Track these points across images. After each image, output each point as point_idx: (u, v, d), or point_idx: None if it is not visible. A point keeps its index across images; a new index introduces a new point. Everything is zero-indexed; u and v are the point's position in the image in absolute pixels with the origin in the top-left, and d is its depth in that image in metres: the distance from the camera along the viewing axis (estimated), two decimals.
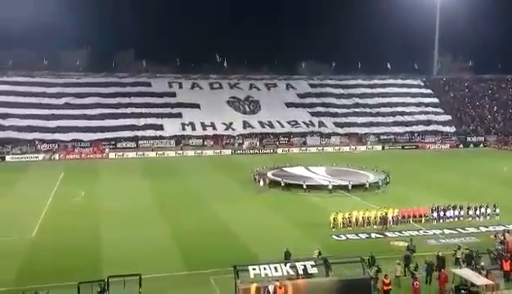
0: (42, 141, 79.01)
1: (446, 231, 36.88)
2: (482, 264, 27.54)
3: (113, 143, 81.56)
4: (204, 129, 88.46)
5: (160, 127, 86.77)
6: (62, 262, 30.43)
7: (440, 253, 28.98)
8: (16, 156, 74.91)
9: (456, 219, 39.45)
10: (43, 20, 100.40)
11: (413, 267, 27.65)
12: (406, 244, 31.88)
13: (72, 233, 36.32)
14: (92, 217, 40.63)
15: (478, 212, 40.07)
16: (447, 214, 39.42)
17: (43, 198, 47.14)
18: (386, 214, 38.07)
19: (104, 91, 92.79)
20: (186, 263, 30.31)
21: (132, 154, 78.65)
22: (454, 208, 39.81)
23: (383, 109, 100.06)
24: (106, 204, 45.26)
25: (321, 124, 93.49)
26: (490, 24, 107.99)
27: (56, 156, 76.06)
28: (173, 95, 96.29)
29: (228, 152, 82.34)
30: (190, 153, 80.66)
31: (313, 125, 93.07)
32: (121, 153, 78.57)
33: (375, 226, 37.54)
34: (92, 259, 30.82)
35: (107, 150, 79.13)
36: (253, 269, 25.30)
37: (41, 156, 75.65)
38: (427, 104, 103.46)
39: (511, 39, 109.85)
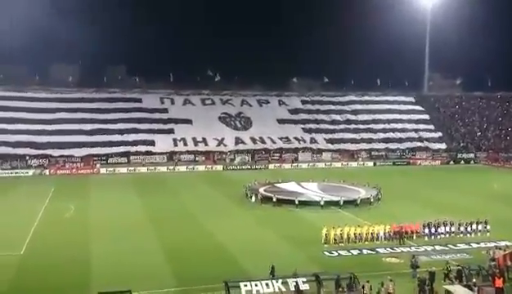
0: (33, 156, 78.56)
1: (438, 247, 36.84)
2: (474, 280, 27.53)
3: (104, 158, 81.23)
4: (196, 145, 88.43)
5: (152, 143, 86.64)
6: (52, 279, 30.04)
7: (433, 268, 28.98)
8: (6, 171, 74.34)
9: (448, 235, 39.47)
10: (35, 35, 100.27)
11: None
12: (410, 261, 31.32)
13: (62, 249, 35.90)
14: (82, 233, 40.25)
15: (469, 229, 40.12)
16: (439, 230, 39.45)
17: (33, 213, 46.66)
18: (401, 228, 38.13)
19: (95, 107, 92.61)
20: (176, 279, 30.02)
21: (123, 170, 78.31)
22: (445, 224, 39.87)
23: (374, 126, 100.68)
24: (97, 220, 44.90)
25: (313, 140, 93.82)
26: (480, 42, 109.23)
27: (47, 171, 75.60)
28: (165, 110, 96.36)
29: (220, 167, 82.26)
30: (182, 168, 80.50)
31: (305, 141, 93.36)
32: (112, 169, 78.23)
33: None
34: (82, 275, 30.46)
35: (98, 166, 78.78)
36: (245, 286, 25.21)
37: (31, 171, 75.14)
38: (418, 121, 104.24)
39: (501, 57, 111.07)
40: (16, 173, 74.01)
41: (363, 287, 26.33)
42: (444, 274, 29.11)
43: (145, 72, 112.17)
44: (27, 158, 78.15)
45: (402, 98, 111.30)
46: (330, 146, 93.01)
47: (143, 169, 79.19)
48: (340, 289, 26.61)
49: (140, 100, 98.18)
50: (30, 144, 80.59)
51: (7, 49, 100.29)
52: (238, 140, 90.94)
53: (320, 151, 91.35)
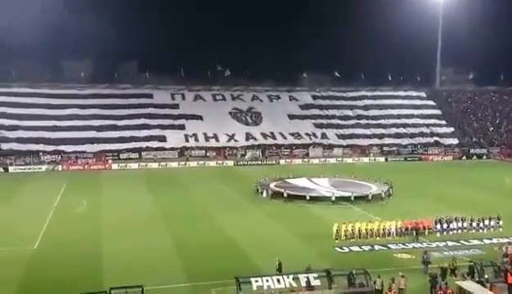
0: (46, 152, 79.16)
1: (450, 243, 36.67)
2: (486, 276, 27.36)
3: (116, 154, 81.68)
4: (207, 140, 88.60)
5: (163, 139, 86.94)
6: (64, 274, 30.33)
7: (445, 264, 28.85)
8: (20, 167, 75.11)
9: (460, 231, 39.25)
10: (47, 32, 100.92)
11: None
12: (422, 257, 31.22)
13: (74, 244, 36.22)
14: (95, 228, 40.56)
15: (481, 224, 39.87)
16: (451, 226, 39.22)
17: (46, 208, 47.11)
18: (417, 224, 38.09)
19: (107, 103, 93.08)
20: (187, 274, 30.18)
21: (134, 165, 78.69)
22: (457, 220, 39.62)
23: (385, 121, 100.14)
24: (109, 215, 45.23)
25: (324, 136, 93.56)
26: (492, 36, 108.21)
27: (59, 167, 76.20)
28: (176, 106, 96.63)
29: (231, 163, 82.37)
30: (193, 164, 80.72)
31: (316, 136, 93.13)
32: (124, 165, 78.65)
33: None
34: (94, 270, 30.73)
35: (110, 161, 79.26)
36: (256, 281, 25.24)
37: (44, 167, 75.77)
38: (430, 116, 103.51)
39: None
40: (29, 169, 74.69)
41: (374, 283, 26.29)
42: (450, 270, 28.93)
43: (156, 68, 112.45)
44: (40, 153, 78.75)
45: (414, 93, 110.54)
46: (341, 142, 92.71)
47: (154, 165, 79.53)
48: (352, 286, 26.55)
49: (151, 96, 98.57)
50: (43, 140, 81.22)
51: (20, 45, 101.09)
52: (249, 136, 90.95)
53: (331, 147, 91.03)
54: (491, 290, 25.59)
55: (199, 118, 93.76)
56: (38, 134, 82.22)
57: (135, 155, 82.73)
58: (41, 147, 79.83)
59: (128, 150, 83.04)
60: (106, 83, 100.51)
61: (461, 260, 30.96)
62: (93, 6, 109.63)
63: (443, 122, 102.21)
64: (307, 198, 50.24)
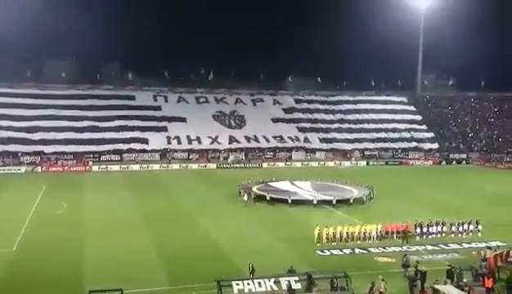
0: (25, 153, 78.16)
1: (429, 247, 37.02)
2: (465, 280, 27.67)
3: (96, 156, 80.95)
4: (190, 143, 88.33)
5: (145, 141, 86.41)
6: (43, 276, 29.93)
7: (423, 268, 29.10)
8: None
9: (439, 235, 39.64)
10: (28, 31, 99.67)
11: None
12: (402, 260, 31.34)
13: (54, 246, 35.76)
14: (75, 230, 40.08)
15: (460, 229, 40.29)
16: (430, 230, 39.59)
17: (25, 210, 46.45)
18: (407, 227, 38.32)
19: (88, 104, 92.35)
20: (169, 278, 29.99)
21: (115, 167, 78.10)
22: (437, 224, 40.03)
23: (367, 125, 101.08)
24: (89, 217, 44.78)
25: (306, 139, 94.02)
26: (473, 43, 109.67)
27: (39, 168, 75.27)
28: (159, 108, 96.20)
29: (213, 166, 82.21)
30: (175, 166, 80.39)
31: (298, 140, 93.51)
32: (104, 167, 78.00)
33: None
34: (74, 273, 30.36)
35: (90, 163, 78.53)
36: (237, 285, 25.17)
37: (23, 168, 74.82)
38: (410, 121, 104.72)
39: (494, 58, 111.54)
40: (8, 170, 73.67)
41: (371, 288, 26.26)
42: (414, 272, 29.05)
43: (139, 69, 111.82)
44: (19, 154, 77.77)
45: (395, 98, 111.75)
46: (324, 145, 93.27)
47: (136, 167, 79.01)
48: (333, 289, 26.64)
49: (133, 98, 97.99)
50: (22, 141, 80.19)
51: (0, 45, 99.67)
52: (232, 139, 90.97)
53: (313, 150, 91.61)
54: None
55: (182, 120, 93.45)
56: (17, 134, 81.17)
57: (116, 157, 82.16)
58: (20, 148, 78.81)
59: (109, 152, 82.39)
60: (88, 84, 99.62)
61: (439, 264, 31.19)
62: (76, 6, 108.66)
63: (424, 127, 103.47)
64: (289, 201, 50.33)
